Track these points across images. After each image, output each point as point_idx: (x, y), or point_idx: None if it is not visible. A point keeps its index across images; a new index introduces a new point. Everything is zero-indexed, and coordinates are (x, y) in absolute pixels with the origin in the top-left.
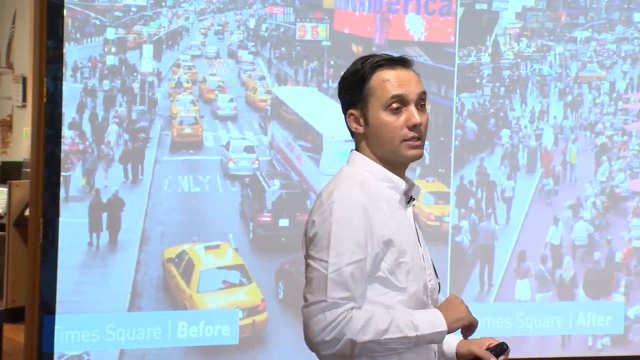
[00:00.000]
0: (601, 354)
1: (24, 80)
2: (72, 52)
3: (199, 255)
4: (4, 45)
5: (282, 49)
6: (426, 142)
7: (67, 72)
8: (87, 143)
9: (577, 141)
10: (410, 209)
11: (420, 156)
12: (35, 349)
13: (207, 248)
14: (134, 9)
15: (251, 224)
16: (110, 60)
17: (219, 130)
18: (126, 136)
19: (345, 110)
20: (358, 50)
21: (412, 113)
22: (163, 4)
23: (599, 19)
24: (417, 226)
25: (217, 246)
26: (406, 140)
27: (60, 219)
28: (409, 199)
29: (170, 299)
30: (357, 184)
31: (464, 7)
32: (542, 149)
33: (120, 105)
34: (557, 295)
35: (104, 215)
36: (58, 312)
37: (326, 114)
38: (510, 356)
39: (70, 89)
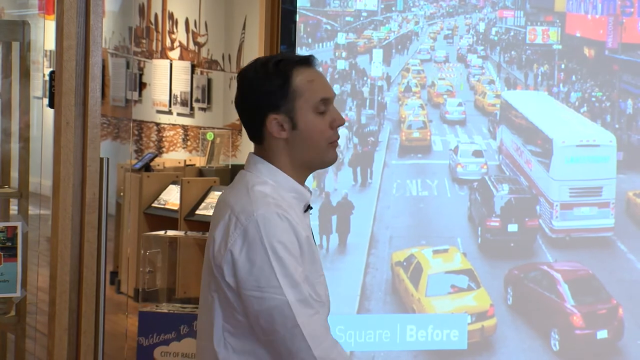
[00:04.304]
0: None
1: None
2: None
3: (427, 259)
4: (234, 50)
5: (512, 52)
6: None
7: None
8: None
9: None
10: (308, 217)
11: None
12: None
13: (435, 252)
14: (364, 14)
15: (479, 228)
16: (341, 64)
17: (447, 134)
18: (355, 140)
19: (261, 114)
20: (590, 54)
21: (337, 113)
22: (393, 8)
23: None
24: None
25: (446, 250)
26: (331, 142)
27: None
28: (306, 207)
29: (398, 302)
30: (273, 200)
31: None
32: None
33: (350, 109)
34: None
35: (334, 217)
36: None
37: (556, 118)
38: None
39: None
